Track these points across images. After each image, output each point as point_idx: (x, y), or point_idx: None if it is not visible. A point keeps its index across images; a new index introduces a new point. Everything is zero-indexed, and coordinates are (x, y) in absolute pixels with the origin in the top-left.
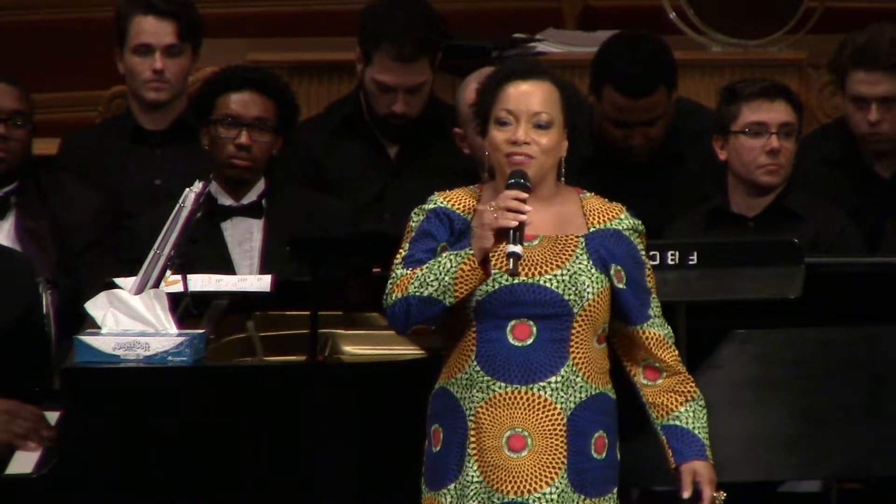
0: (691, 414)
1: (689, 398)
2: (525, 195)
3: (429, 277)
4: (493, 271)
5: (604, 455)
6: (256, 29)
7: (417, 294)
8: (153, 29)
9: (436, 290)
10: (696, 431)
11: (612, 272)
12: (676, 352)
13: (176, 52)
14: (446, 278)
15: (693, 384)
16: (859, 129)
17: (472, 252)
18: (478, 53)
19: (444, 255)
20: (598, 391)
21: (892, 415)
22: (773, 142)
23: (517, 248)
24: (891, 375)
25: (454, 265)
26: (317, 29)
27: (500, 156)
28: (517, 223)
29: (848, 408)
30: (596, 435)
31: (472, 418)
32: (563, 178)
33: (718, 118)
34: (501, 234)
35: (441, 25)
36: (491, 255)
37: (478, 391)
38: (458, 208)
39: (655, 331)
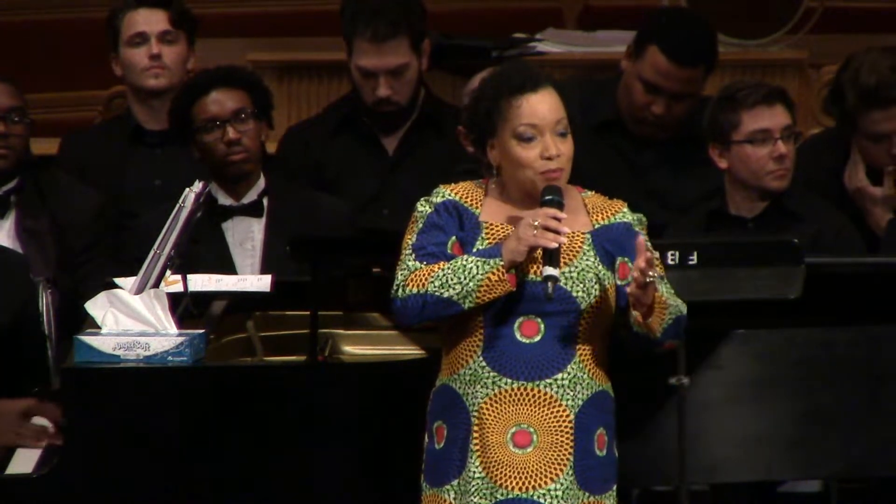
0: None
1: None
2: (564, 215)
3: (451, 279)
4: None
5: (605, 452)
6: (255, 29)
7: (436, 294)
8: (145, 19)
9: (457, 294)
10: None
11: (616, 267)
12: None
13: (171, 39)
14: (470, 284)
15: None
16: (880, 161)
17: (502, 262)
18: (478, 53)
19: (468, 258)
20: (600, 388)
21: (892, 415)
22: (781, 147)
23: (555, 272)
24: (891, 376)
25: (481, 272)
26: (316, 29)
27: (530, 173)
28: (557, 245)
29: (848, 408)
30: (598, 432)
31: (475, 414)
32: None
33: (715, 127)
34: (534, 252)
35: (419, 7)
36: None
37: (482, 387)
38: (466, 201)
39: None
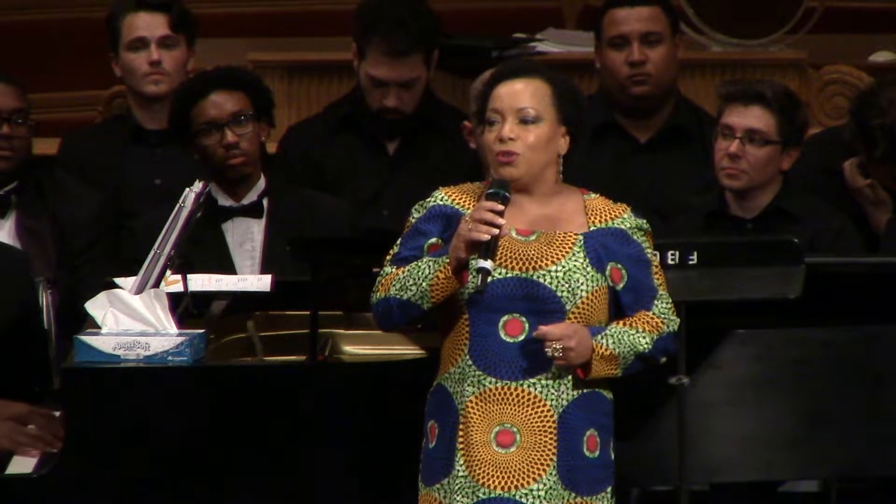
0: (627, 327)
1: (643, 326)
2: (501, 207)
3: (408, 282)
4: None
5: (597, 454)
6: (256, 29)
7: (398, 297)
8: (145, 23)
9: (414, 295)
10: (613, 327)
11: (608, 271)
12: (661, 319)
13: (171, 44)
14: (423, 284)
15: (660, 323)
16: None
17: (447, 260)
18: (478, 53)
19: (424, 259)
20: (590, 389)
21: (892, 415)
22: (733, 146)
23: (486, 264)
24: (891, 375)
25: (431, 272)
26: (317, 29)
27: (490, 157)
28: (489, 237)
29: (848, 408)
30: (588, 433)
31: (462, 412)
32: (561, 175)
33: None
34: (474, 246)
35: (435, 21)
36: (471, 261)
37: (469, 385)
38: (459, 204)
39: (644, 314)
